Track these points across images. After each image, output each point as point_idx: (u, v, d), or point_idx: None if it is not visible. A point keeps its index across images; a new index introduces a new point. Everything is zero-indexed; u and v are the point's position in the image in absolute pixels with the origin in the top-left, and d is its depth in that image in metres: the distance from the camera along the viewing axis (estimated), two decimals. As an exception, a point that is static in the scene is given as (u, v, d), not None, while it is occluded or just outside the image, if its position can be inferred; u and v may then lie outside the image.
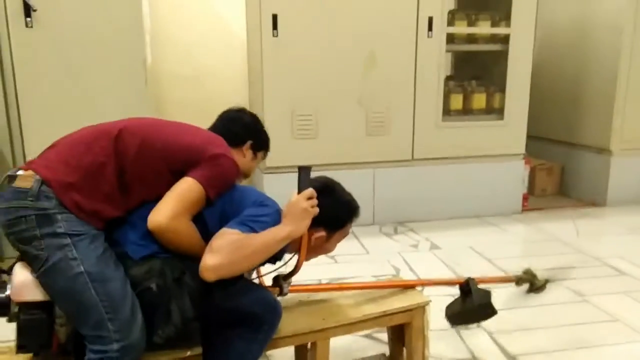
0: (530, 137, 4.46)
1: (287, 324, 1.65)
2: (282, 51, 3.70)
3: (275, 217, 1.56)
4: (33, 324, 1.36)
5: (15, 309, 1.37)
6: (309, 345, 1.80)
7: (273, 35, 3.66)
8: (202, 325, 1.51)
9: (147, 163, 1.48)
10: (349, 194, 1.77)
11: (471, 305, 1.92)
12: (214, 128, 1.81)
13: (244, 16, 4.18)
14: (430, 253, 3.56)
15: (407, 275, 3.10)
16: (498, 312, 1.96)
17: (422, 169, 4.18)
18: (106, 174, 1.43)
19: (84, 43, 3.23)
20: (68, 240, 1.35)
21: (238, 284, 1.53)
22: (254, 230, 1.47)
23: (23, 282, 1.37)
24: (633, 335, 2.48)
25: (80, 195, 1.39)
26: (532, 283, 2.16)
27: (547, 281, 2.17)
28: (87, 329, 1.35)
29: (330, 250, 1.79)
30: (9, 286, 1.38)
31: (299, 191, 1.59)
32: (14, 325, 1.40)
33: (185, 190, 1.46)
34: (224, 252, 1.39)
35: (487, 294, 1.92)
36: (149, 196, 1.49)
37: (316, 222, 1.62)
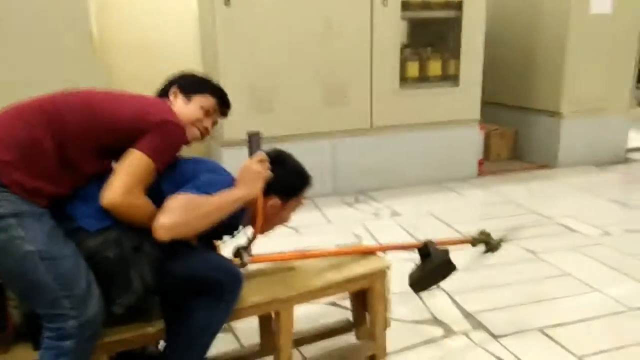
0: (484, 103, 4.55)
1: (250, 294, 1.65)
2: (236, 21, 3.61)
3: (229, 182, 1.57)
4: (-16, 307, 1.33)
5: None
6: (273, 315, 1.81)
7: (225, 5, 3.56)
8: (163, 299, 1.49)
9: (91, 138, 1.43)
10: (301, 164, 1.79)
11: (431, 266, 1.97)
12: (160, 93, 1.76)
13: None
14: (391, 220, 3.62)
15: (369, 243, 3.15)
16: (457, 271, 2.02)
17: (381, 138, 4.21)
18: (45, 150, 1.37)
19: (25, 17, 3.08)
20: (12, 221, 1.29)
21: (198, 252, 1.53)
22: (208, 194, 1.47)
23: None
24: (583, 288, 2.62)
25: (20, 173, 1.33)
26: (488, 243, 2.22)
27: (501, 241, 2.24)
28: (43, 308, 1.32)
29: (285, 220, 1.80)
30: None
31: (250, 156, 1.61)
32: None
33: (134, 164, 1.43)
34: (177, 211, 1.38)
35: (445, 252, 1.97)
36: (97, 170, 1.45)
37: (270, 191, 1.64)
